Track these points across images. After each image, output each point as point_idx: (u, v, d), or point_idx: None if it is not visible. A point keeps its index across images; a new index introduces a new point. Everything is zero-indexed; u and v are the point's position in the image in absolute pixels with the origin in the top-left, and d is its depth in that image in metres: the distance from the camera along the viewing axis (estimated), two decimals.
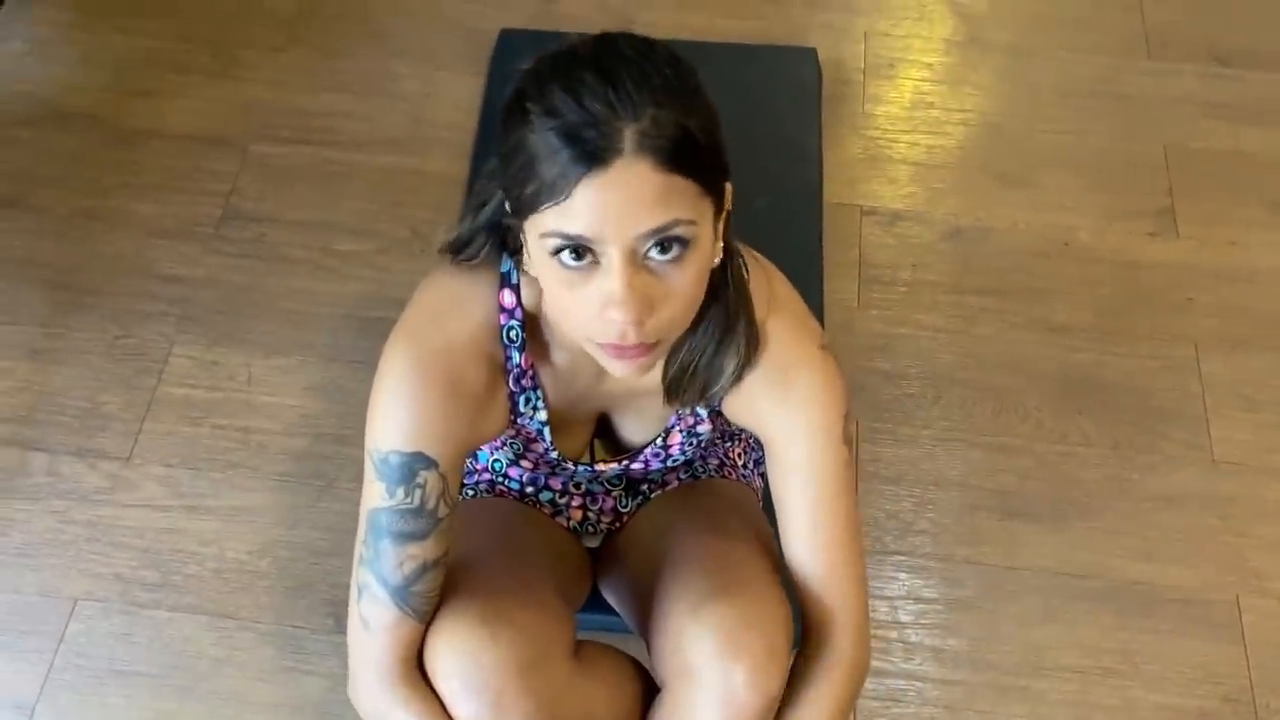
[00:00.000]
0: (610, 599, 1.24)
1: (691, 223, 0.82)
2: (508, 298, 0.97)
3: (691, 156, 0.81)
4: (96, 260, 1.84)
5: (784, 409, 0.99)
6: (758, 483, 1.27)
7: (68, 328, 1.77)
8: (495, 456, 1.21)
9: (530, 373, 1.00)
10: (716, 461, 1.23)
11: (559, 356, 1.00)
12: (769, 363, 0.98)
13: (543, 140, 0.80)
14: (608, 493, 1.22)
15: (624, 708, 1.07)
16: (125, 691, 1.46)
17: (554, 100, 0.80)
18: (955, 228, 1.92)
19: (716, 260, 0.90)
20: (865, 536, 1.60)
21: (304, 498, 1.62)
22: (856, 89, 2.10)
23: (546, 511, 1.21)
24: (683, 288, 0.85)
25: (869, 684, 1.49)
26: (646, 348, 0.87)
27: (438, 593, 0.98)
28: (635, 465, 1.12)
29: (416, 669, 0.97)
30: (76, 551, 1.56)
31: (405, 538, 0.95)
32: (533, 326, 0.98)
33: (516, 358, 0.99)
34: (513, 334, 0.98)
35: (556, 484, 1.21)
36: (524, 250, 0.88)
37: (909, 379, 1.75)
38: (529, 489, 1.21)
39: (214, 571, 1.55)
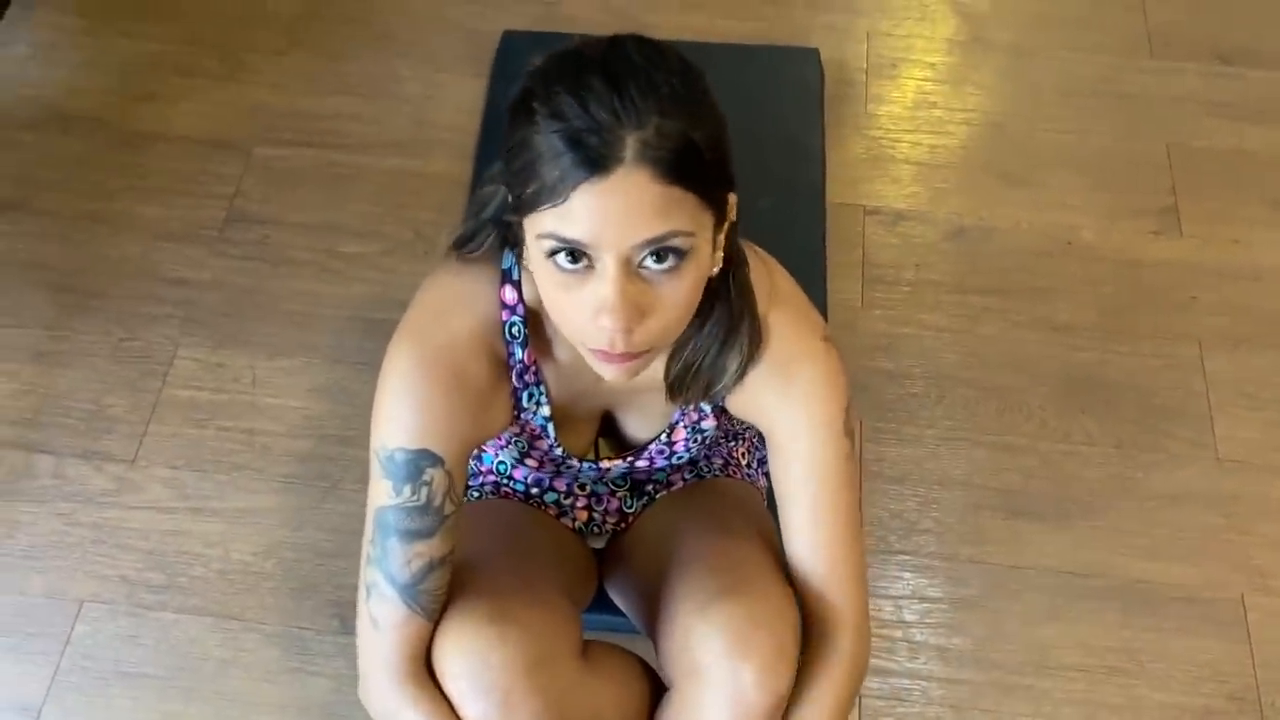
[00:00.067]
0: (616, 599, 1.24)
1: (689, 234, 0.82)
2: (509, 294, 0.97)
3: (693, 168, 0.81)
4: (101, 263, 1.84)
5: (786, 403, 0.99)
6: (762, 482, 1.28)
7: (73, 330, 1.77)
8: (500, 458, 1.21)
9: (533, 368, 1.01)
10: (721, 461, 1.24)
11: (561, 352, 1.01)
12: (771, 356, 0.99)
13: (546, 142, 0.80)
14: (612, 493, 1.22)
15: (631, 707, 1.07)
16: (131, 693, 1.47)
17: (560, 103, 0.80)
18: (958, 227, 1.93)
19: (715, 270, 0.90)
20: (870, 536, 1.60)
21: (309, 499, 1.62)
22: (859, 89, 2.10)
23: (552, 512, 1.21)
24: (676, 298, 0.85)
25: (874, 683, 1.49)
26: (635, 354, 0.87)
27: (445, 590, 0.98)
28: (640, 463, 1.13)
29: (425, 669, 0.98)
30: (82, 554, 1.57)
31: (412, 535, 0.95)
32: (535, 322, 0.99)
33: (519, 353, 0.99)
34: (515, 330, 0.98)
35: (561, 485, 1.21)
36: (525, 250, 0.89)
37: (913, 378, 1.75)
38: (534, 490, 1.21)
39: (219, 573, 1.56)
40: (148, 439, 1.67)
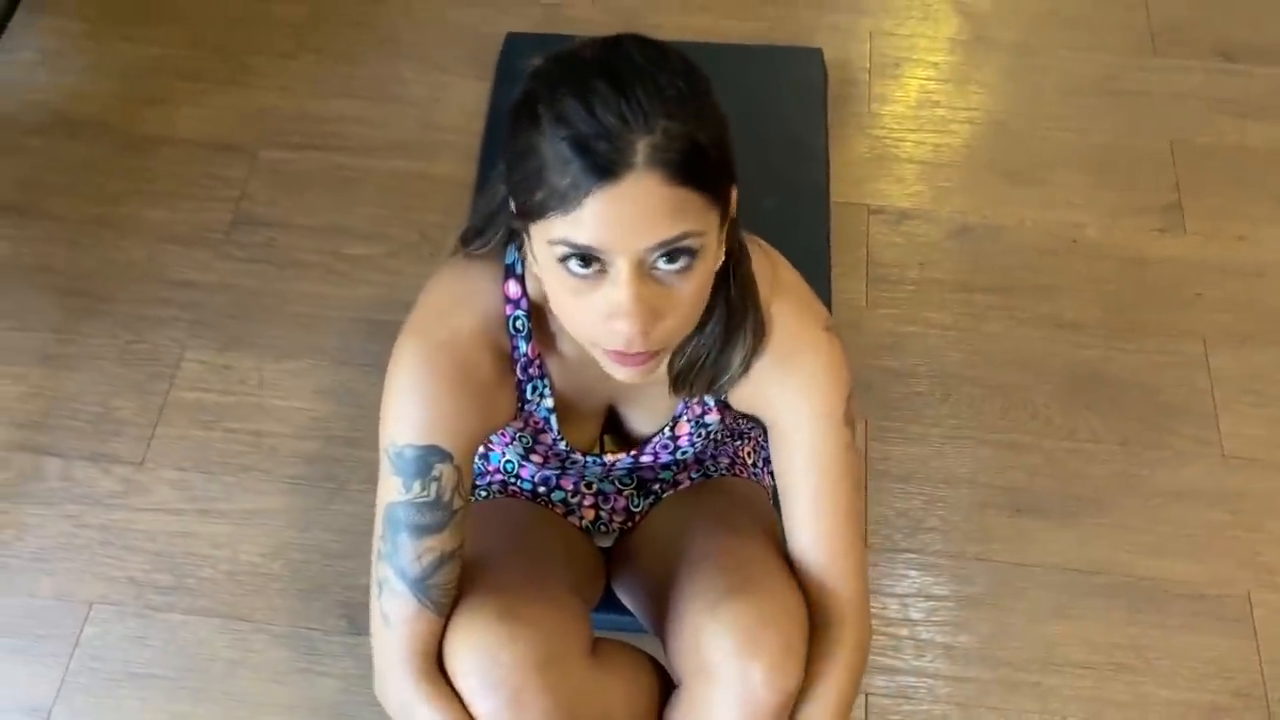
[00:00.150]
0: (624, 598, 1.25)
1: (700, 234, 0.83)
2: (513, 288, 0.98)
3: (701, 169, 0.81)
4: (108, 266, 1.85)
5: (789, 393, 1.00)
6: (768, 481, 1.28)
7: (80, 333, 1.78)
8: (507, 457, 1.21)
9: (537, 362, 1.02)
10: (727, 460, 1.24)
11: (566, 346, 1.01)
12: (774, 347, 0.99)
13: (553, 148, 0.80)
14: (619, 492, 1.23)
15: (641, 705, 1.07)
16: (140, 694, 1.47)
17: (565, 108, 0.80)
18: (962, 226, 1.93)
19: (719, 263, 0.90)
20: (875, 534, 1.60)
21: (316, 500, 1.62)
22: (862, 89, 2.11)
23: (559, 511, 1.22)
24: (688, 296, 0.86)
25: (880, 681, 1.49)
26: (651, 354, 0.87)
27: (455, 586, 0.99)
28: (644, 457, 1.13)
29: (437, 665, 0.98)
30: (91, 556, 1.58)
31: (423, 530, 0.96)
32: (539, 316, 0.99)
33: (523, 347, 1.00)
34: (519, 324, 0.99)
35: (568, 483, 1.22)
36: (529, 251, 0.89)
37: (917, 377, 1.75)
38: (541, 489, 1.22)
39: (227, 574, 1.56)
40: (155, 441, 1.67)
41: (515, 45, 2.00)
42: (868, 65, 2.14)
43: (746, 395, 1.03)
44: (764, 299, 0.98)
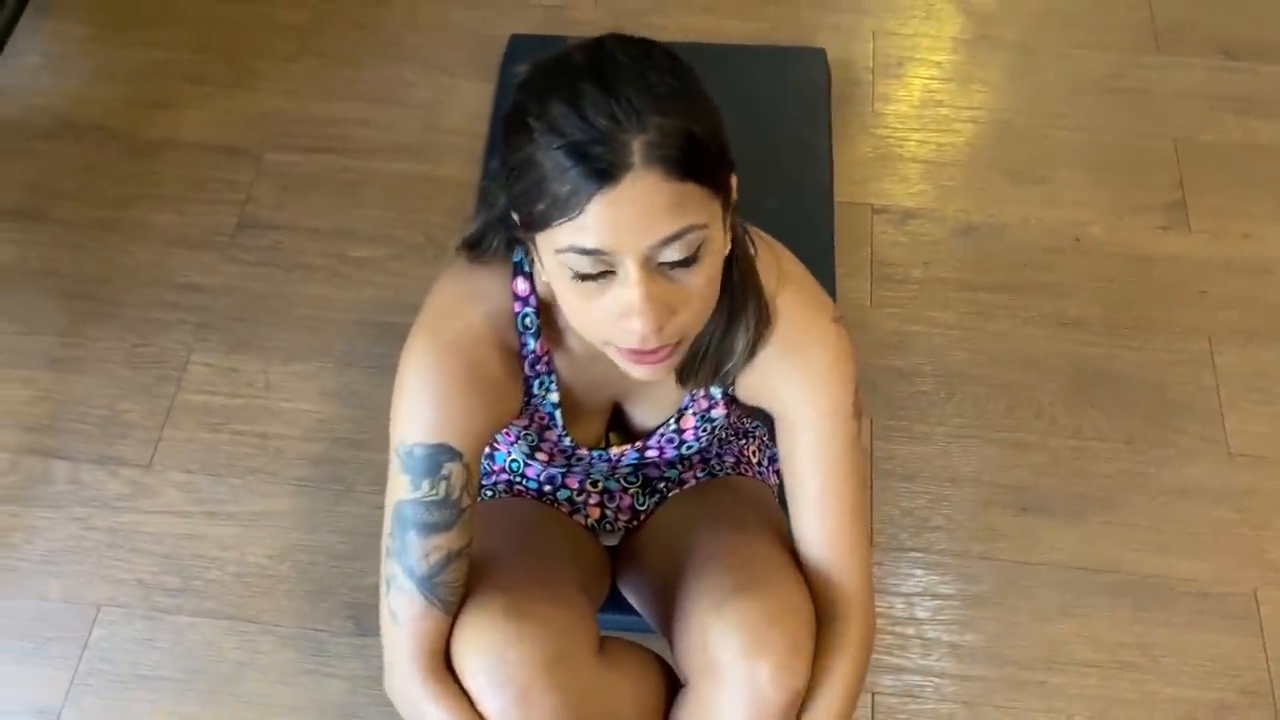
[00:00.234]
0: (630, 597, 1.25)
1: (704, 226, 0.83)
2: (521, 285, 0.99)
3: (698, 161, 0.82)
4: (114, 270, 1.86)
5: (796, 386, 1.00)
6: (773, 479, 1.28)
7: (87, 337, 1.79)
8: (512, 456, 1.22)
9: (546, 358, 1.02)
10: (733, 459, 1.24)
11: (574, 342, 1.02)
12: (781, 338, 0.99)
13: (550, 158, 0.80)
14: (625, 490, 1.23)
15: (648, 704, 1.07)
16: (149, 696, 1.48)
17: (556, 116, 0.80)
18: (966, 225, 1.93)
19: (726, 251, 0.91)
20: (881, 534, 1.60)
21: (322, 502, 1.63)
22: (866, 88, 2.11)
23: (564, 510, 1.22)
24: (699, 288, 0.86)
25: (887, 680, 1.49)
26: (669, 349, 0.88)
27: (463, 584, 0.99)
28: (650, 451, 1.13)
29: (445, 664, 0.98)
30: (99, 558, 1.58)
31: (431, 529, 0.96)
32: (547, 313, 1.00)
33: (532, 344, 1.01)
34: (527, 320, 0.99)
35: (574, 482, 1.22)
36: (535, 261, 0.90)
37: (922, 376, 1.76)
38: (546, 488, 1.22)
39: (234, 576, 1.57)
40: (162, 444, 1.68)
41: (519, 47, 2.01)
42: (871, 65, 2.14)
43: (753, 386, 1.03)
44: (769, 291, 0.98)
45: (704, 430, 1.12)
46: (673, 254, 0.83)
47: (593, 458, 1.13)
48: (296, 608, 1.54)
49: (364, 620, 1.53)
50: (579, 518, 1.23)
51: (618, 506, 1.24)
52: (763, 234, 1.03)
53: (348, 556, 1.58)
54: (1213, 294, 1.84)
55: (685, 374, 0.99)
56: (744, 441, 1.27)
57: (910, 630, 1.53)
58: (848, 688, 1.03)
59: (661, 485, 1.23)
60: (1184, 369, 1.76)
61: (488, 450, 1.23)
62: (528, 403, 1.05)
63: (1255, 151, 2.02)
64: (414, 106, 2.07)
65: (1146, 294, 1.84)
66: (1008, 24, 2.21)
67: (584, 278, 0.84)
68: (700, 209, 0.83)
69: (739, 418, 1.28)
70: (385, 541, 0.99)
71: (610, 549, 1.27)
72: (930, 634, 1.53)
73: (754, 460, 1.26)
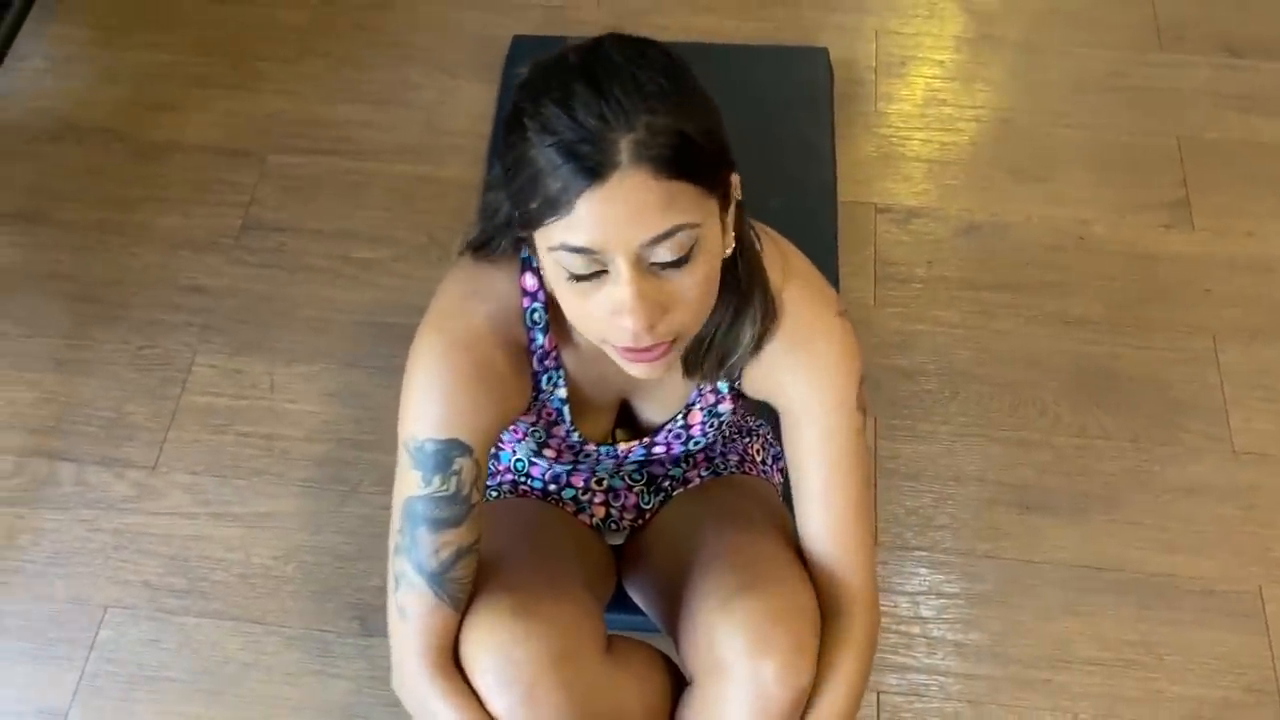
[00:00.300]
0: (635, 596, 1.25)
1: (695, 225, 0.84)
2: (530, 281, 0.99)
3: (690, 160, 0.82)
4: (119, 272, 1.86)
5: (802, 380, 1.01)
6: (777, 478, 1.28)
7: (92, 339, 1.79)
8: (518, 456, 1.22)
9: (554, 353, 1.03)
10: (737, 458, 1.24)
11: (581, 338, 1.02)
12: (787, 332, 1.00)
13: (543, 156, 0.81)
14: (629, 488, 1.23)
15: (654, 702, 1.08)
16: (154, 697, 1.48)
17: (548, 115, 0.81)
18: (970, 224, 1.93)
19: (728, 251, 0.91)
20: (886, 533, 1.60)
21: (327, 503, 1.63)
22: (868, 88, 2.11)
23: (569, 509, 1.23)
24: (692, 288, 0.86)
25: (892, 679, 1.49)
26: (665, 347, 0.88)
27: (471, 580, 0.99)
28: (657, 447, 1.14)
29: (453, 661, 0.99)
30: (105, 559, 1.59)
31: (441, 524, 0.97)
32: (555, 309, 1.00)
33: (540, 339, 1.01)
34: (536, 316, 1.00)
35: (579, 480, 1.22)
36: (537, 258, 0.90)
37: (926, 375, 1.76)
38: (551, 487, 1.22)
39: (240, 577, 1.57)
40: (168, 445, 1.68)
41: (522, 47, 2.01)
42: (874, 64, 2.14)
43: (759, 381, 1.04)
44: (775, 286, 0.99)
45: (711, 426, 1.12)
46: (664, 253, 0.83)
47: (600, 454, 1.13)
48: (302, 608, 1.55)
49: (369, 621, 1.53)
50: (584, 517, 1.23)
51: (623, 505, 1.24)
52: (768, 229, 1.03)
53: (353, 557, 1.58)
54: (1216, 292, 1.84)
55: (691, 365, 1.00)
56: (748, 440, 1.27)
57: (915, 629, 1.53)
58: (852, 684, 1.03)
59: (666, 484, 1.23)
60: (1188, 367, 1.76)
61: (493, 450, 1.23)
62: (535, 397, 1.05)
63: (1259, 149, 2.01)
64: (417, 108, 2.07)
65: (1150, 292, 1.84)
66: (1010, 22, 2.21)
67: (578, 278, 0.84)
68: (692, 208, 0.83)
69: (743, 416, 1.28)
70: (394, 539, 0.99)
71: (615, 548, 1.28)
72: (935, 632, 1.53)
73: (758, 459, 1.26)
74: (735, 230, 0.93)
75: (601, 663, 1.02)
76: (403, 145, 2.02)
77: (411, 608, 0.98)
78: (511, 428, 1.11)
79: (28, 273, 1.87)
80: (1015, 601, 1.55)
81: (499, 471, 1.24)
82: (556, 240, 0.83)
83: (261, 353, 1.77)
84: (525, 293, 0.99)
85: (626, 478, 1.23)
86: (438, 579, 0.97)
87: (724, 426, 1.14)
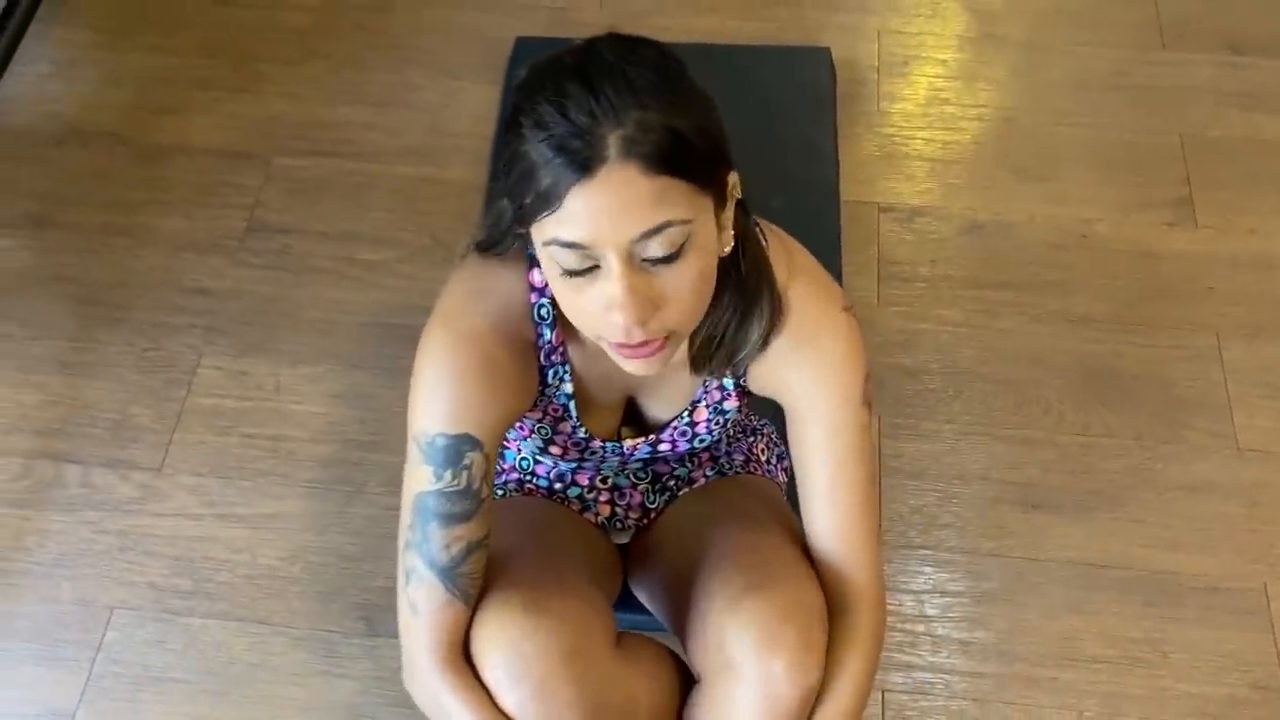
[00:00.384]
0: (640, 595, 1.25)
1: (686, 222, 0.84)
2: (537, 277, 1.00)
3: (680, 157, 0.83)
4: (124, 275, 1.87)
5: (808, 377, 1.01)
6: (781, 477, 1.29)
7: (97, 342, 1.80)
8: (523, 454, 1.22)
9: (561, 349, 1.03)
10: (742, 458, 1.25)
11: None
12: (793, 329, 1.00)
13: (536, 152, 0.83)
14: (634, 486, 1.24)
15: (663, 698, 1.08)
16: (161, 697, 1.49)
17: (541, 113, 0.83)
18: (973, 222, 1.93)
19: (726, 250, 0.92)
20: (890, 532, 1.61)
21: (333, 504, 1.64)
22: (871, 87, 2.11)
23: (575, 508, 1.23)
24: (685, 285, 0.87)
25: (897, 678, 1.49)
26: (659, 343, 0.89)
27: (481, 575, 1.00)
28: (663, 445, 1.14)
29: (464, 657, 0.99)
30: (111, 561, 1.59)
31: (452, 519, 0.97)
32: None
33: (547, 335, 1.02)
34: (543, 311, 1.01)
35: (584, 478, 1.23)
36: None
37: (930, 374, 1.76)
38: (556, 485, 1.23)
39: (246, 578, 1.58)
40: (173, 447, 1.69)
41: (525, 49, 2.01)
42: (876, 64, 2.14)
43: (765, 378, 1.04)
44: (781, 283, 0.99)
45: (716, 423, 1.12)
46: (655, 249, 0.84)
47: (605, 451, 1.14)
48: (308, 609, 1.55)
49: (375, 621, 1.54)
50: (589, 515, 1.23)
51: (628, 504, 1.24)
52: (773, 227, 1.04)
53: (358, 558, 1.59)
54: (1220, 290, 1.84)
55: (699, 361, 1.00)
56: (753, 439, 1.27)
57: (920, 627, 1.54)
58: (859, 681, 1.03)
59: (671, 483, 1.23)
60: (1191, 365, 1.76)
61: (499, 448, 1.23)
62: (542, 393, 1.06)
63: (1261, 147, 2.01)
64: (420, 110, 2.07)
65: (1153, 290, 1.84)
66: (1013, 22, 2.22)
67: (571, 274, 0.85)
68: (683, 204, 0.84)
69: (748, 414, 1.28)
70: (404, 534, 0.99)
71: (621, 548, 1.28)
72: (940, 631, 1.53)
73: (763, 459, 1.27)
74: (737, 229, 0.93)
75: (612, 658, 1.02)
76: (406, 147, 2.02)
77: (423, 603, 0.98)
78: (518, 424, 1.11)
79: (33, 276, 1.87)
80: (1020, 599, 1.55)
81: (504, 470, 1.24)
82: (549, 235, 0.84)
83: (266, 354, 1.78)
84: (533, 288, 1.00)
85: (631, 476, 1.23)
86: (449, 574, 0.97)
87: (729, 425, 1.14)
